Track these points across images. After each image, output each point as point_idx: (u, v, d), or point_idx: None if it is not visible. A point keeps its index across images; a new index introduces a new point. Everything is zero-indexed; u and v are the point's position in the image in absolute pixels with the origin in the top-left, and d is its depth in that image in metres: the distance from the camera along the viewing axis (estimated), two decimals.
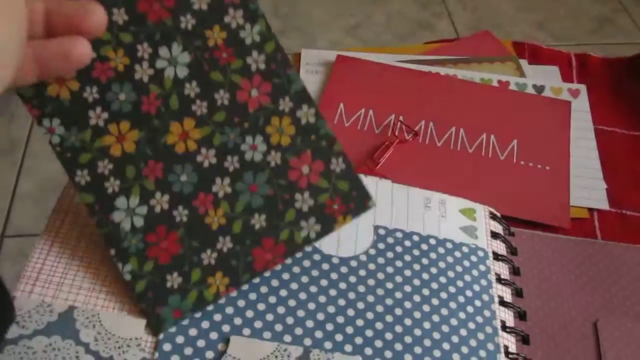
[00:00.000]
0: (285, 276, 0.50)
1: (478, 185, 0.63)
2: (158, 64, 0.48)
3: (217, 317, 0.48)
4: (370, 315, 0.49)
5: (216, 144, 0.49)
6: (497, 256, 0.56)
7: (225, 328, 0.47)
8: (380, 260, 0.53)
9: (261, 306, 0.49)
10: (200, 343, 0.46)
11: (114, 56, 0.47)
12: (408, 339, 0.49)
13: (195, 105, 0.49)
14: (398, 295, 0.51)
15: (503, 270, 0.56)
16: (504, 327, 0.52)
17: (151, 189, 0.47)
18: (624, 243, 0.61)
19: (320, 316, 0.49)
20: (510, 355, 0.50)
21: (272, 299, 0.49)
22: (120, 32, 0.47)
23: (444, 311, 0.51)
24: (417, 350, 0.48)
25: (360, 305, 0.50)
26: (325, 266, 0.52)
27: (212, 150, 0.49)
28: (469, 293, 0.52)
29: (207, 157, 0.49)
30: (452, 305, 0.51)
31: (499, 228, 0.59)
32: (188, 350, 0.46)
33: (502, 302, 0.53)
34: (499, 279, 0.55)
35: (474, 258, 0.55)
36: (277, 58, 0.50)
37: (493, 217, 0.59)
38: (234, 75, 0.49)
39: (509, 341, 0.51)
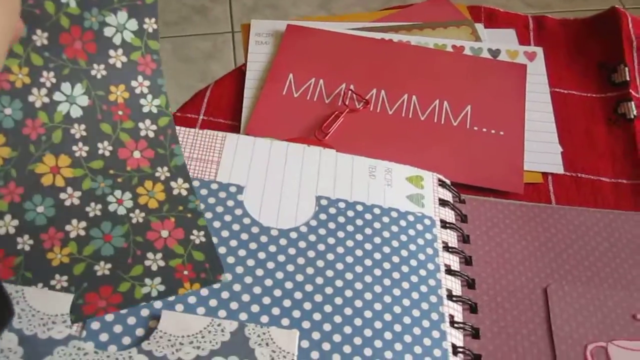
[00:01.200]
0: (222, 250, 0.49)
1: (430, 152, 0.62)
2: (55, 96, 0.48)
3: None
4: (309, 287, 0.48)
5: (84, 188, 0.49)
6: (445, 224, 0.54)
7: (157, 304, 0.46)
8: (322, 231, 0.51)
9: None
10: (130, 320, 0.45)
11: (17, 71, 0.47)
12: (348, 311, 0.47)
13: (77, 146, 0.49)
14: (339, 266, 0.49)
15: (451, 238, 0.54)
16: (451, 296, 0.50)
17: (2, 210, 0.45)
18: (578, 207, 0.59)
19: (257, 290, 0.47)
20: (456, 325, 0.49)
21: None
22: (33, 53, 0.47)
23: (387, 282, 0.49)
24: (357, 322, 0.47)
25: (299, 277, 0.48)
26: (264, 238, 0.50)
27: (78, 192, 0.49)
28: (413, 262, 0.51)
29: (71, 197, 0.49)
30: (395, 275, 0.49)
31: (448, 195, 0.57)
32: (117, 328, 0.44)
33: (449, 271, 0.52)
34: (447, 247, 0.53)
35: (419, 227, 0.53)
36: (167, 132, 0.52)
37: (442, 184, 0.57)
38: (122, 133, 0.50)
39: (456, 310, 0.50)
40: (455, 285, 0.51)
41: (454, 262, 0.53)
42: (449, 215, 0.56)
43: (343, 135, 0.63)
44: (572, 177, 0.62)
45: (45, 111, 0.47)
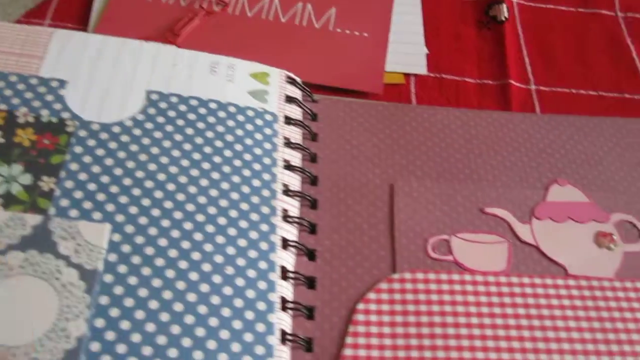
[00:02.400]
0: None
1: (288, 55, 0.59)
2: None
3: None
4: (127, 181, 0.44)
5: None
6: (289, 121, 0.51)
7: None
8: (148, 125, 0.47)
9: None
10: None
11: None
12: (168, 204, 0.44)
13: None
14: (164, 160, 0.46)
15: (295, 135, 0.51)
16: (287, 191, 0.47)
17: None
18: (436, 106, 0.56)
19: (69, 184, 0.43)
20: (289, 219, 0.45)
21: None
22: None
23: (215, 175, 0.46)
24: (177, 215, 0.44)
25: (118, 171, 0.44)
26: (83, 133, 0.46)
27: None
28: (247, 157, 0.47)
29: None
30: (226, 169, 0.46)
31: (297, 93, 0.53)
32: None
33: (289, 166, 0.48)
34: (289, 144, 0.49)
35: (259, 122, 0.49)
36: None
37: (291, 82, 0.53)
38: None
39: (291, 205, 0.47)
40: (294, 181, 0.48)
41: (296, 159, 0.49)
42: (296, 113, 0.52)
43: (199, 39, 0.59)
44: (435, 78, 0.60)
45: None
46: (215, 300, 0.41)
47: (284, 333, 0.41)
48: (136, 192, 0.45)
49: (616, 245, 0.49)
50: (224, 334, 0.40)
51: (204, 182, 0.46)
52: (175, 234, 0.43)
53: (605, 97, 0.61)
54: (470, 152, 0.54)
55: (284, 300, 0.42)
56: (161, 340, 0.39)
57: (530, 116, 0.57)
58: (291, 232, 0.46)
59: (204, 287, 0.41)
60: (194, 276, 0.41)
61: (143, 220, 0.43)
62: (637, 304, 0.46)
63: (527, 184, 0.52)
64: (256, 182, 0.47)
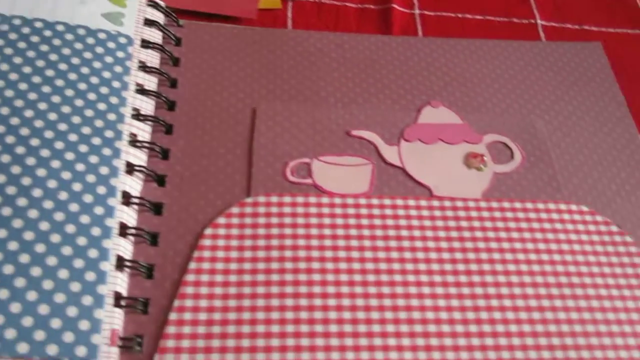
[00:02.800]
0: None
1: None
2: None
3: None
4: None
5: None
6: (147, 44, 0.47)
7: None
8: None
9: None
10: None
11: None
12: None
13: None
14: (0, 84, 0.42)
15: (153, 59, 0.48)
16: (138, 115, 0.44)
17: None
18: (311, 30, 0.53)
19: None
20: (137, 144, 0.42)
21: None
22: None
23: (56, 98, 0.43)
24: (9, 139, 0.40)
25: None
26: None
27: None
28: (94, 80, 0.44)
29: None
30: (69, 92, 0.44)
31: (159, 17, 0.50)
32: None
33: (143, 91, 0.45)
34: (144, 67, 0.46)
35: (111, 44, 0.46)
36: None
37: (153, 5, 0.50)
38: None
39: (142, 130, 0.44)
40: (147, 105, 0.45)
41: (151, 83, 0.46)
42: (156, 37, 0.49)
43: None
44: (314, 2, 0.57)
45: None
46: (44, 226, 0.38)
47: (120, 259, 0.38)
48: None
49: (486, 166, 0.47)
50: (51, 261, 0.37)
51: (42, 106, 0.43)
52: (4, 158, 0.39)
53: (492, 22, 0.59)
54: (342, 75, 0.51)
55: (123, 226, 0.40)
56: None
57: (409, 39, 0.55)
58: (139, 158, 0.43)
59: (33, 213, 0.38)
60: (22, 202, 0.38)
61: None
62: (502, 223, 0.44)
63: (399, 106, 0.50)
64: (101, 106, 0.44)
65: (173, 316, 0.38)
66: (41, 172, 0.40)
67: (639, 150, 0.51)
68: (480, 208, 0.45)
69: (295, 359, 0.37)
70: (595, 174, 0.48)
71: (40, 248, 0.38)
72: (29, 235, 0.38)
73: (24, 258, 0.37)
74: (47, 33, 0.47)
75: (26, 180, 0.40)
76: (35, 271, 0.37)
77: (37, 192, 0.39)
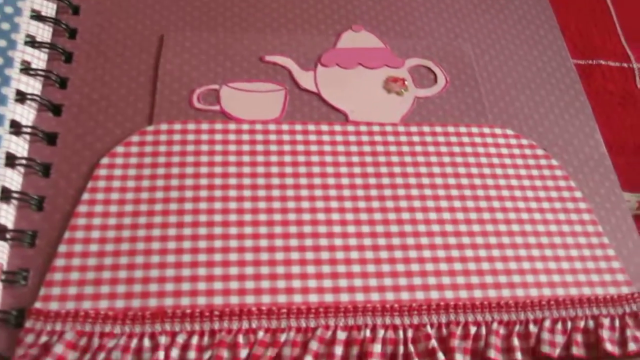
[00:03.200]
0: None
1: None
2: None
3: None
4: None
5: None
6: None
7: None
8: None
9: None
10: None
11: None
12: None
13: None
14: None
15: None
16: (33, 42, 0.41)
17: None
18: None
19: None
20: (31, 72, 0.40)
21: None
22: None
23: None
24: None
25: None
26: None
27: None
28: None
29: None
30: None
31: None
32: None
33: (39, 17, 0.42)
34: None
35: None
36: None
37: None
38: None
39: (37, 57, 0.41)
40: (44, 32, 0.42)
41: (49, 9, 0.43)
42: None
43: None
44: None
45: None
46: None
47: (6, 191, 0.36)
48: None
49: (407, 90, 0.44)
50: None
51: None
52: None
53: None
54: (257, 1, 0.48)
55: (10, 157, 0.37)
56: None
57: None
58: (33, 86, 0.40)
59: None
60: None
61: None
62: (420, 147, 0.42)
63: (317, 31, 0.47)
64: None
65: (62, 248, 0.36)
66: None
67: (570, 73, 0.48)
68: (398, 132, 0.43)
69: (191, 289, 0.35)
70: (522, 97, 0.46)
71: None
72: None
73: None
74: None
75: None
76: None
77: None
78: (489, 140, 0.43)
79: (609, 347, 0.36)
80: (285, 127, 0.42)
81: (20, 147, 0.38)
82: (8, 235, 0.36)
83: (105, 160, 0.39)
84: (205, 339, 0.34)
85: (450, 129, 0.43)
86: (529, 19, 0.51)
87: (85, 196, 0.37)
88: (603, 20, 0.57)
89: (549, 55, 0.49)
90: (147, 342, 0.33)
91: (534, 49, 0.49)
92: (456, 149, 0.42)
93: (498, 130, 0.44)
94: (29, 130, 0.39)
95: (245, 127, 0.41)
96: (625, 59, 0.54)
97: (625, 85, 0.53)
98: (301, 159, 0.40)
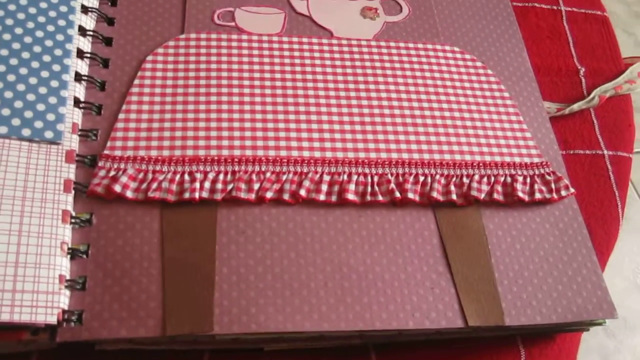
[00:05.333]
0: None
1: None
2: None
3: None
4: None
5: None
6: None
7: None
8: None
9: None
10: None
11: None
12: None
13: None
14: None
15: None
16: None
17: None
18: None
19: None
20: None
21: None
22: None
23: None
24: None
25: None
26: None
27: None
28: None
29: None
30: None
31: None
32: None
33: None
34: None
35: None
36: None
37: None
38: None
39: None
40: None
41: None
42: None
43: None
44: None
45: None
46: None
47: (78, 74, 0.50)
48: None
49: (378, 16, 0.59)
50: (23, 71, 0.48)
51: None
52: None
53: None
54: None
55: (80, 51, 0.51)
56: None
57: None
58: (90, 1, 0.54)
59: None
60: None
61: None
62: (387, 57, 0.56)
63: None
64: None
65: (121, 116, 0.50)
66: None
67: (506, 8, 0.63)
68: (371, 46, 0.57)
69: (217, 144, 0.49)
70: (468, 25, 0.61)
71: (13, 61, 0.49)
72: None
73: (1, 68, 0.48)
74: None
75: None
76: (10, 77, 0.48)
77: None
78: (440, 54, 0.58)
79: (521, 194, 0.51)
80: (285, 39, 0.56)
81: (85, 46, 0.53)
82: (81, 105, 0.50)
83: (150, 58, 0.53)
84: (229, 176, 0.48)
85: (411, 45, 0.58)
86: None
87: (136, 82, 0.52)
88: None
89: None
90: (187, 177, 0.48)
91: None
92: (414, 59, 0.57)
93: (448, 48, 0.59)
94: (91, 33, 0.53)
95: (255, 38, 0.56)
96: (555, 2, 0.70)
97: (554, 23, 0.68)
98: (297, 62, 0.55)
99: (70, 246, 0.42)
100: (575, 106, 0.60)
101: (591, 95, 0.61)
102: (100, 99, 0.49)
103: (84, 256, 0.42)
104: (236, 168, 0.47)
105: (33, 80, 0.48)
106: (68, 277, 0.41)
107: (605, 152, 0.60)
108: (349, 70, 0.54)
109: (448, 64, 0.56)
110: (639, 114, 0.67)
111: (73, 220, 0.43)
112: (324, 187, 0.47)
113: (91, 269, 0.42)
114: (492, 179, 0.50)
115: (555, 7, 0.68)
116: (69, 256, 0.42)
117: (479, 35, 0.59)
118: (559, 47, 0.65)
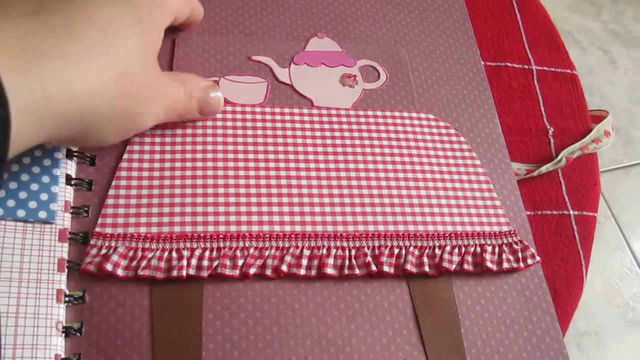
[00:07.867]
0: None
1: None
2: None
3: None
4: None
5: None
6: None
7: None
8: None
9: None
10: None
11: None
12: None
13: None
14: None
15: None
16: None
17: None
18: None
19: None
20: None
21: None
22: None
23: None
24: None
25: None
26: None
27: None
28: None
29: None
30: None
31: None
32: None
33: None
34: None
35: None
36: None
37: None
38: None
39: None
40: None
41: None
42: None
43: None
44: None
45: None
46: None
47: (69, 151, 0.52)
48: None
49: (357, 84, 0.62)
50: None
51: None
52: None
53: None
54: (246, 12, 0.65)
55: None
56: None
57: None
58: None
59: None
60: None
61: None
62: (365, 126, 0.60)
63: (291, 37, 0.64)
64: None
65: (111, 192, 0.53)
66: None
67: (480, 74, 0.66)
68: (350, 115, 0.60)
69: (203, 220, 0.52)
70: (442, 91, 0.64)
71: None
72: None
73: None
74: None
75: None
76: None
77: None
78: (416, 122, 0.61)
79: (489, 264, 0.55)
80: (267, 109, 0.59)
81: None
82: (72, 182, 0.53)
83: (136, 139, 0.56)
84: (214, 253, 0.51)
85: (388, 114, 0.61)
86: (452, 30, 0.69)
87: (125, 156, 0.55)
88: (512, 30, 0.76)
89: (465, 58, 0.67)
90: (174, 254, 0.51)
91: (454, 53, 0.67)
92: (391, 128, 0.60)
93: (423, 115, 0.62)
94: None
95: (239, 109, 0.59)
96: (527, 62, 0.73)
97: (525, 82, 0.72)
98: (279, 133, 0.58)
99: (64, 324, 0.45)
100: (544, 168, 0.64)
101: (559, 157, 0.65)
102: (90, 175, 0.52)
103: (78, 334, 0.45)
104: (221, 244, 0.50)
105: (26, 160, 0.50)
106: (63, 356, 0.44)
107: (571, 212, 0.63)
108: (328, 142, 0.57)
109: (423, 132, 0.60)
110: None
111: (67, 299, 0.46)
112: (304, 262, 0.50)
113: (85, 347, 0.45)
114: (463, 249, 0.54)
115: (526, 67, 0.71)
116: (63, 335, 0.45)
117: (453, 101, 0.63)
118: (530, 106, 0.69)
